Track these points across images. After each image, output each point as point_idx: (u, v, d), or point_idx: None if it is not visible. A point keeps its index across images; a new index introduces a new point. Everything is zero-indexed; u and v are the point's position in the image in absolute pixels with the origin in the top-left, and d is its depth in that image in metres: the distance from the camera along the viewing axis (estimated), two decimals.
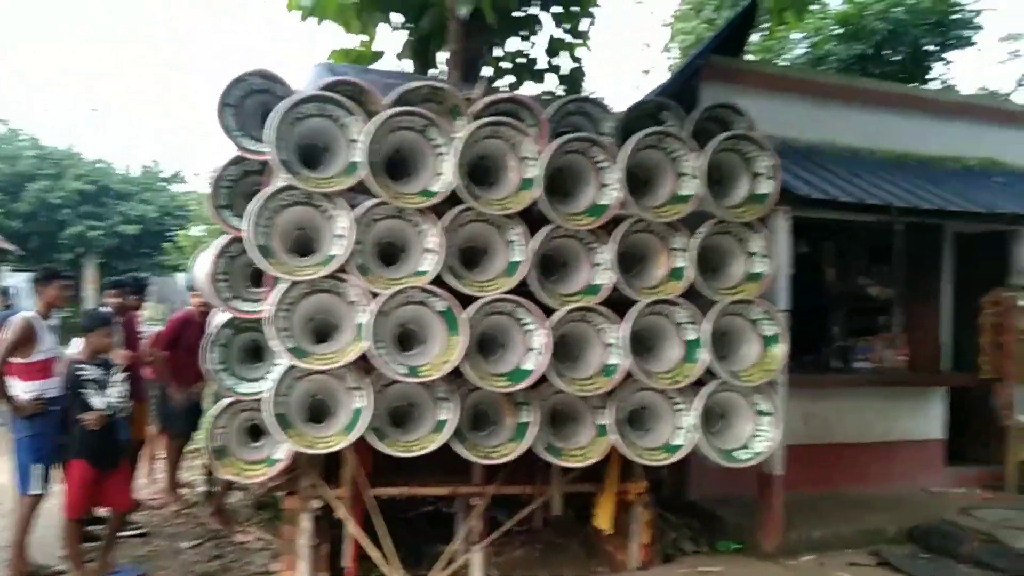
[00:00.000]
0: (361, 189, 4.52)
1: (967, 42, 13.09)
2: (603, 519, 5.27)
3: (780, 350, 4.91)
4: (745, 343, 4.96)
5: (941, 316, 7.56)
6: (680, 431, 4.80)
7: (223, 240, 4.79)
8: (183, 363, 6.45)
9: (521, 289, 4.62)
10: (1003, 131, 7.89)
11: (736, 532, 6.04)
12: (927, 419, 7.47)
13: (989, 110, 8.13)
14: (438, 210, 4.57)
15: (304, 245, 4.60)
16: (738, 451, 4.89)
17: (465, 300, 4.53)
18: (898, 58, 12.71)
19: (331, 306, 4.45)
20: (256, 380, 4.74)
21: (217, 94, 4.68)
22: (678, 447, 4.77)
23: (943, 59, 13.56)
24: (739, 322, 4.93)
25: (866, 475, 7.18)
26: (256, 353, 4.95)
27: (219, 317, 5.45)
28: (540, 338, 4.49)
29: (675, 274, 4.83)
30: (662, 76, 18.07)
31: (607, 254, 4.68)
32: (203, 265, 5.41)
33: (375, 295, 4.36)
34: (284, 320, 4.31)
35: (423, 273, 4.42)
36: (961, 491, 7.33)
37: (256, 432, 4.86)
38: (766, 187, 4.97)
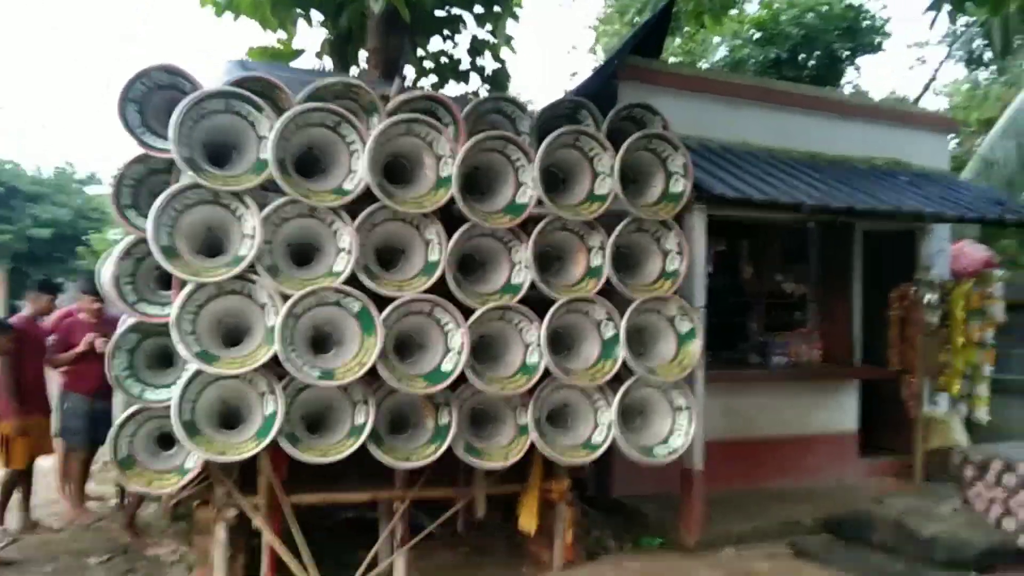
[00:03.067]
0: (274, 188, 4.40)
1: (877, 48, 13.62)
2: (527, 520, 5.25)
3: (695, 346, 4.98)
4: (661, 340, 5.02)
5: (853, 311, 7.81)
6: (600, 428, 4.82)
7: (128, 241, 4.60)
8: (79, 369, 6.21)
9: (440, 289, 4.57)
10: (907, 133, 8.20)
11: (658, 528, 6.10)
12: (841, 412, 7.71)
13: (894, 113, 8.46)
14: (353, 209, 4.48)
15: (214, 246, 4.44)
16: (657, 447, 4.94)
17: (382, 301, 4.45)
18: (812, 62, 13.12)
19: (241, 309, 4.32)
20: (166, 387, 4.56)
21: (119, 89, 4.49)
22: (598, 445, 4.79)
23: (854, 64, 14.08)
24: (655, 319, 4.98)
25: (784, 469, 7.35)
26: (167, 359, 4.77)
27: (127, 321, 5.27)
28: (459, 338, 4.45)
29: (592, 272, 4.85)
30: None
31: (525, 253, 4.66)
32: (108, 267, 5.19)
33: (287, 297, 4.25)
34: (190, 323, 4.15)
35: (337, 273, 4.32)
36: (874, 481, 7.59)
37: (168, 441, 4.68)
38: (680, 185, 5.04)
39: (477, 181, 4.79)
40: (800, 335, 7.69)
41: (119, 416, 6.32)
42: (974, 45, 15.12)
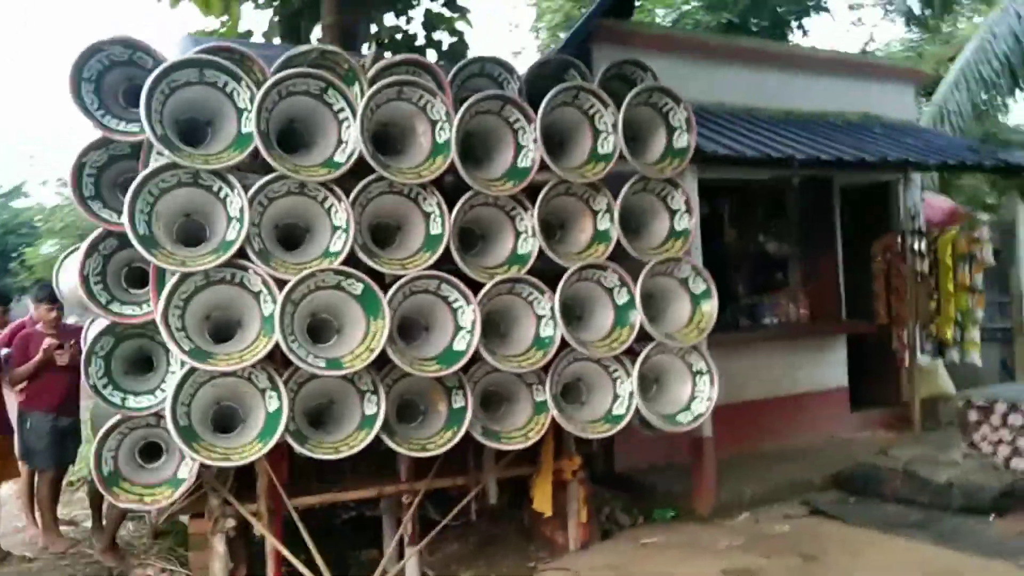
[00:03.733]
0: (251, 167, 4.04)
1: (821, 8, 13.68)
2: (542, 501, 5.01)
3: (711, 306, 4.77)
4: (674, 302, 4.80)
5: (837, 267, 7.75)
6: (620, 399, 4.59)
7: (93, 237, 4.17)
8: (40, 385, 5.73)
9: (442, 266, 4.27)
10: (875, 85, 8.17)
11: (668, 499, 5.94)
12: (831, 368, 7.67)
13: (864, 66, 8.43)
14: (342, 185, 4.14)
15: (192, 233, 4.05)
16: (680, 414, 4.73)
17: (381, 282, 4.13)
18: (762, 26, 13.10)
19: (231, 299, 3.94)
20: (147, 392, 4.16)
21: (70, 67, 4.05)
22: (620, 416, 4.55)
23: (801, 26, 14.12)
24: (666, 282, 4.76)
25: (780, 429, 7.25)
26: (143, 363, 4.36)
27: (97, 325, 4.84)
28: (469, 315, 4.16)
29: (600, 237, 4.60)
30: (532, 56, 17.98)
31: (530, 220, 4.39)
32: (71, 269, 4.74)
33: (280, 283, 3.89)
34: (178, 319, 3.76)
35: (334, 254, 3.98)
36: (867, 434, 7.56)
37: (152, 451, 4.29)
38: (683, 140, 4.82)
39: (472, 147, 4.48)
40: (787, 294, 7.61)
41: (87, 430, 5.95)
42: (910, 3, 15.31)
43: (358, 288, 3.96)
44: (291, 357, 3.77)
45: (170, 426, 3.72)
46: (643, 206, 4.78)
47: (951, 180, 11.63)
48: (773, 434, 7.19)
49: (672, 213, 4.82)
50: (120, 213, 4.13)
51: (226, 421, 4.13)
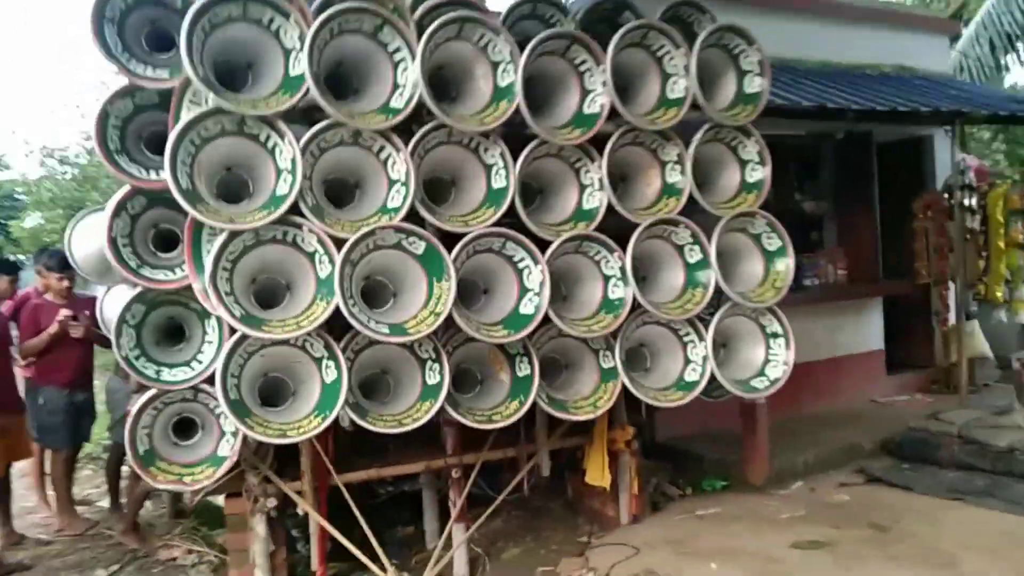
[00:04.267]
0: (292, 116, 3.65)
1: None
2: (597, 474, 4.74)
3: (787, 264, 4.46)
4: (745, 260, 4.47)
5: (876, 226, 7.49)
6: (692, 365, 4.28)
7: (120, 195, 3.77)
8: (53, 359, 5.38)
9: (502, 222, 3.93)
10: (910, 36, 7.86)
11: (716, 469, 5.70)
12: (869, 330, 7.44)
13: (899, 16, 8.10)
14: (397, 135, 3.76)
15: (233, 189, 3.67)
16: (754, 380, 4.43)
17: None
18: None
19: (281, 260, 3.57)
20: (183, 364, 3.81)
21: (91, 6, 3.64)
22: (694, 383, 4.24)
23: None
24: (737, 238, 4.42)
25: (819, 393, 7.02)
26: (173, 332, 4.00)
27: (114, 295, 4.48)
28: (537, 275, 3.82)
29: (669, 190, 4.26)
30: None
31: (597, 173, 4.04)
32: (89, 233, 4.35)
33: (335, 243, 3.53)
34: (226, 282, 3.40)
35: (393, 210, 3.62)
36: (905, 398, 7.36)
37: (184, 428, 3.95)
38: (756, 85, 4.46)
39: (531, 92, 4.09)
40: (826, 255, 7.32)
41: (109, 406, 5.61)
42: None
43: (420, 247, 3.61)
44: (353, 322, 3.42)
45: (221, 400, 3.37)
46: (712, 157, 4.43)
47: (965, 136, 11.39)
48: (814, 399, 6.95)
49: (743, 164, 4.48)
50: (148, 169, 3.79)
51: (271, 394, 3.80)
